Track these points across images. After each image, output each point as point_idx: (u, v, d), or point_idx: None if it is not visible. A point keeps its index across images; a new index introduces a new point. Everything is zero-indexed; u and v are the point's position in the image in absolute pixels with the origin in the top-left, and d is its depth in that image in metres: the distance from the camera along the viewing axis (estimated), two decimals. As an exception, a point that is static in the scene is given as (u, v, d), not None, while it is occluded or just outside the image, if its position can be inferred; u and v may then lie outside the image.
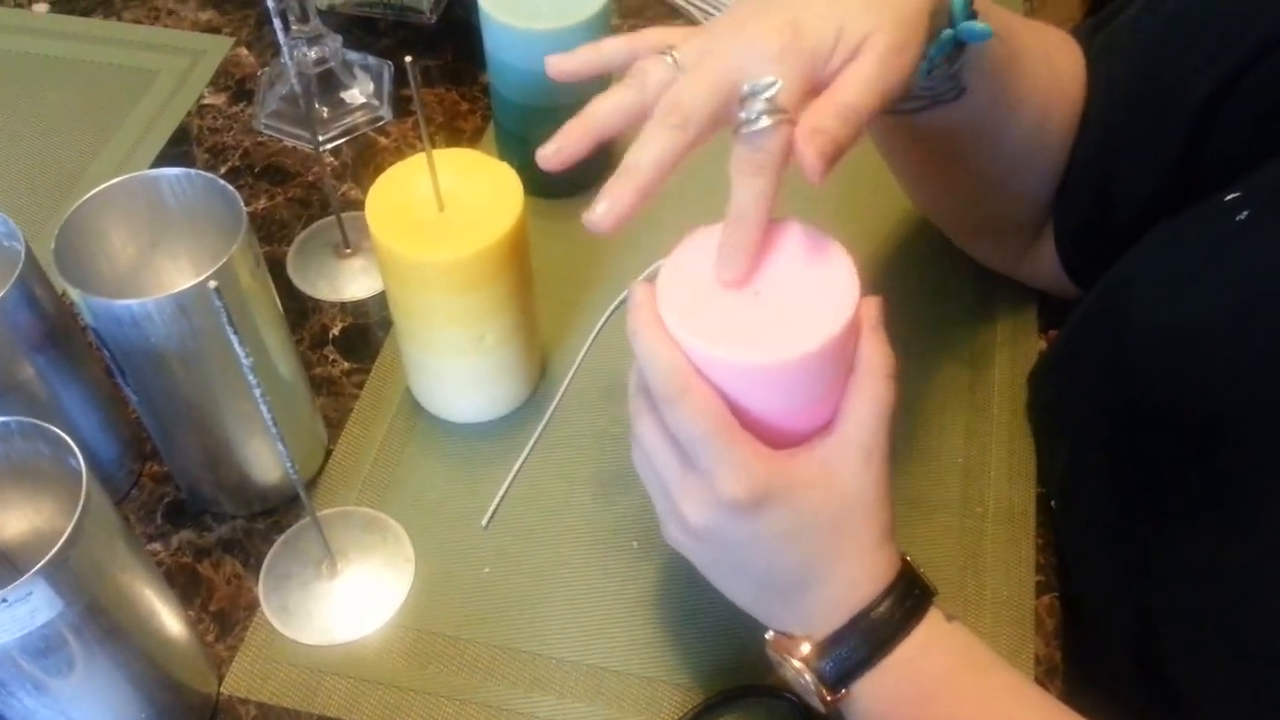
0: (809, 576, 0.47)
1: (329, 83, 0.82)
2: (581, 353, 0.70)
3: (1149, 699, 0.52)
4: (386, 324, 0.71)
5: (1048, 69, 0.58)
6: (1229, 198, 0.51)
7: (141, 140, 0.82)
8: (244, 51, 0.89)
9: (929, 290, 0.72)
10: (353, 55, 0.84)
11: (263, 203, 0.78)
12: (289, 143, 0.82)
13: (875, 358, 0.46)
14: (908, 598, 0.47)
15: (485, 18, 0.69)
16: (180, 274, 0.59)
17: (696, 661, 0.58)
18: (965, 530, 0.62)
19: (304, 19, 0.79)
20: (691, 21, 0.90)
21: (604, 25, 0.70)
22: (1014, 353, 0.69)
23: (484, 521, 0.63)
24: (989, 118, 0.57)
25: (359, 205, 0.76)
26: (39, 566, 0.41)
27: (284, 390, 0.59)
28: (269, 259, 0.73)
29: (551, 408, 0.67)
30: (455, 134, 0.82)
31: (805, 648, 0.47)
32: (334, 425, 0.67)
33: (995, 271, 0.71)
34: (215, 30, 0.91)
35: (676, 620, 0.59)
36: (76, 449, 0.44)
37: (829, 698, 0.47)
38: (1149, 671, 0.52)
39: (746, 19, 0.46)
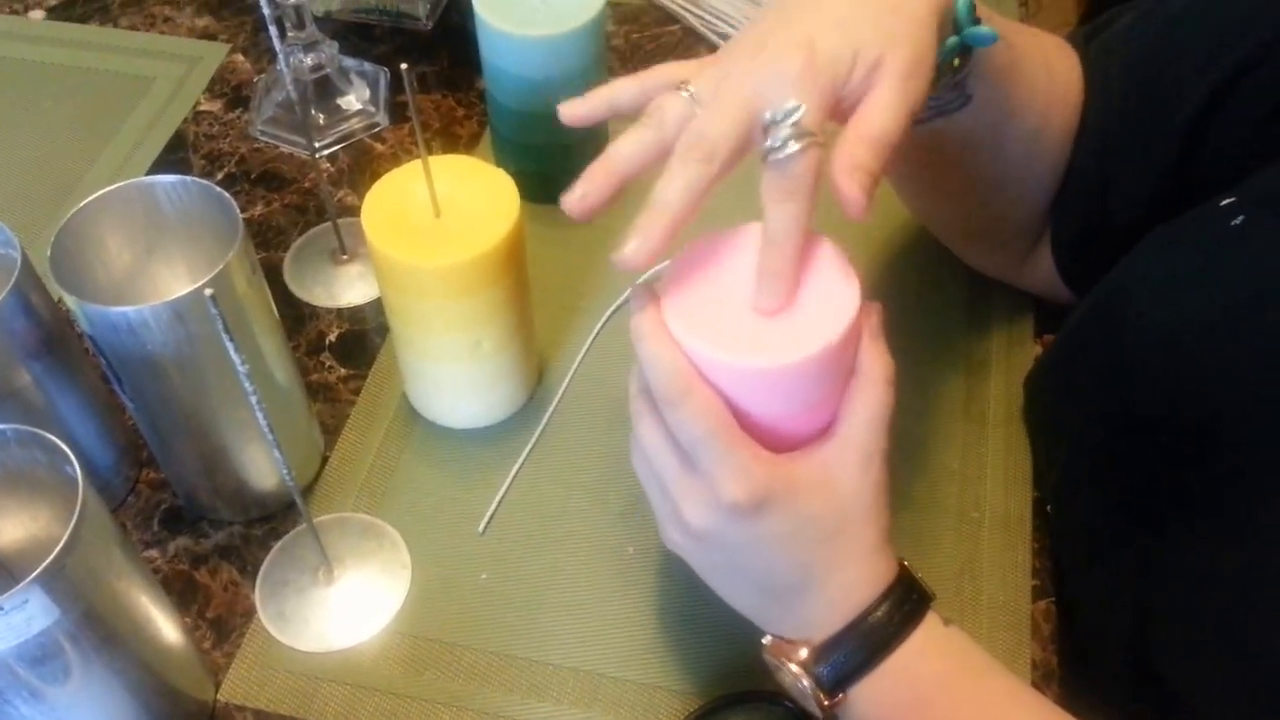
0: (807, 580, 0.47)
1: (325, 89, 0.82)
2: (578, 358, 0.70)
3: (1146, 703, 0.52)
4: (383, 330, 0.71)
5: (1046, 75, 0.59)
6: (1224, 203, 0.51)
7: (138, 147, 0.82)
8: (240, 58, 0.89)
9: (925, 296, 0.72)
10: (349, 61, 0.84)
11: (259, 209, 0.78)
12: (285, 149, 0.82)
13: (875, 363, 0.47)
14: (905, 602, 0.47)
15: (481, 24, 0.69)
16: (176, 281, 0.59)
17: (693, 667, 0.58)
18: (961, 535, 0.62)
19: (300, 25, 0.79)
20: (688, 28, 0.90)
21: (599, 32, 0.70)
22: (1010, 358, 0.69)
23: (480, 527, 0.63)
24: (989, 124, 0.57)
25: (355, 211, 0.76)
26: (35, 574, 0.41)
27: (280, 397, 0.59)
28: (265, 265, 0.74)
29: (548, 413, 0.67)
30: (451, 140, 0.83)
31: (803, 652, 0.47)
32: (331, 431, 0.67)
33: (991, 278, 0.71)
34: (211, 37, 0.91)
35: (674, 626, 0.59)
36: (72, 456, 0.44)
37: (826, 702, 0.47)
38: (1146, 675, 0.53)
39: (760, 44, 0.45)
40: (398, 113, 0.84)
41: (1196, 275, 0.52)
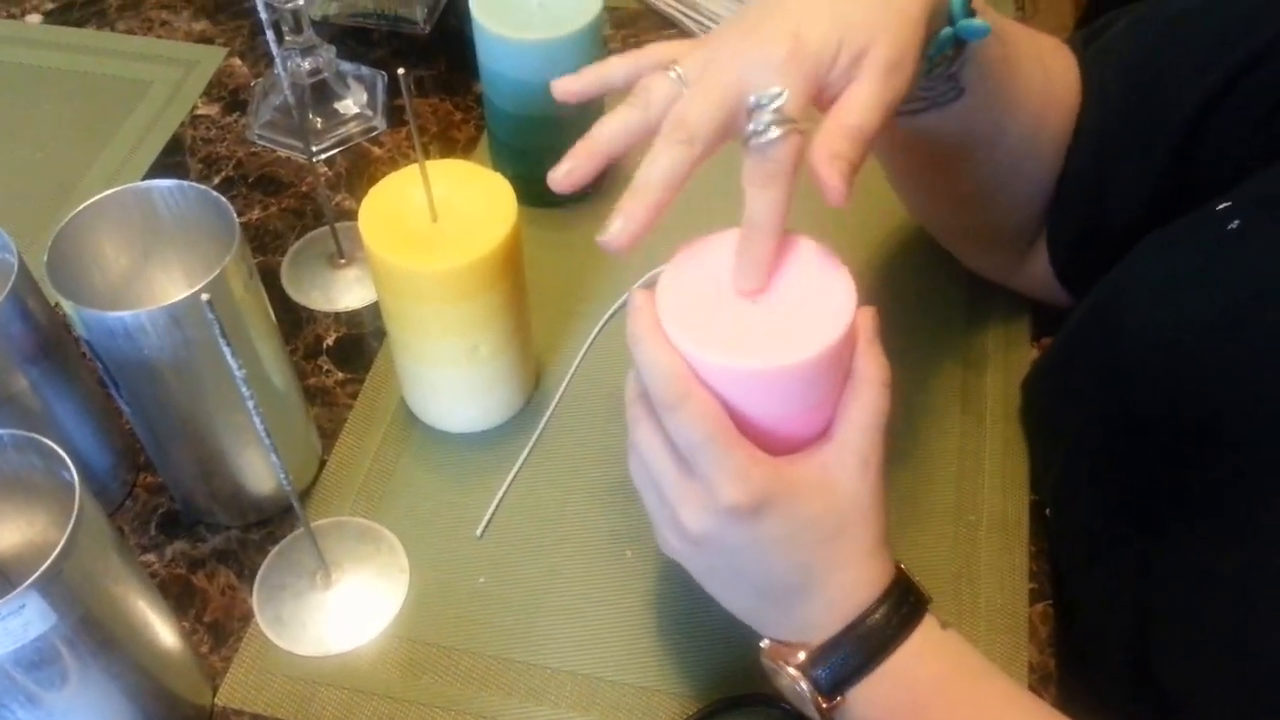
0: (805, 583, 0.47)
1: (323, 93, 0.82)
2: (576, 362, 0.70)
3: (1145, 705, 0.53)
4: (381, 334, 0.71)
5: (1042, 72, 0.59)
6: (1221, 206, 0.51)
7: (135, 151, 0.82)
8: (237, 62, 0.89)
9: (922, 299, 0.72)
10: (346, 66, 0.84)
11: (256, 213, 0.78)
12: (283, 153, 0.82)
13: (871, 367, 0.47)
14: (903, 605, 0.47)
15: (478, 28, 0.69)
16: (173, 285, 0.59)
17: (691, 671, 0.58)
18: (959, 538, 0.62)
19: (297, 30, 0.79)
20: (685, 33, 0.90)
21: (597, 36, 0.70)
22: (1007, 360, 0.69)
23: (478, 531, 0.63)
24: (985, 121, 0.57)
25: (353, 215, 0.75)
26: (32, 579, 0.41)
27: (278, 401, 0.59)
28: (263, 269, 0.74)
29: (546, 417, 0.67)
30: (449, 144, 0.83)
31: (800, 655, 0.47)
32: (328, 435, 0.67)
33: (988, 280, 0.71)
34: (209, 41, 0.91)
35: (671, 629, 0.59)
36: (69, 461, 0.44)
37: (824, 705, 0.47)
38: (1144, 677, 0.53)
39: (748, 30, 0.46)
40: (395, 117, 0.84)
41: (1194, 277, 0.52)
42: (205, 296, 0.43)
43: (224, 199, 0.53)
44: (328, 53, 0.81)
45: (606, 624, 0.59)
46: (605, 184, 0.76)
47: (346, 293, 0.74)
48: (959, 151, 0.59)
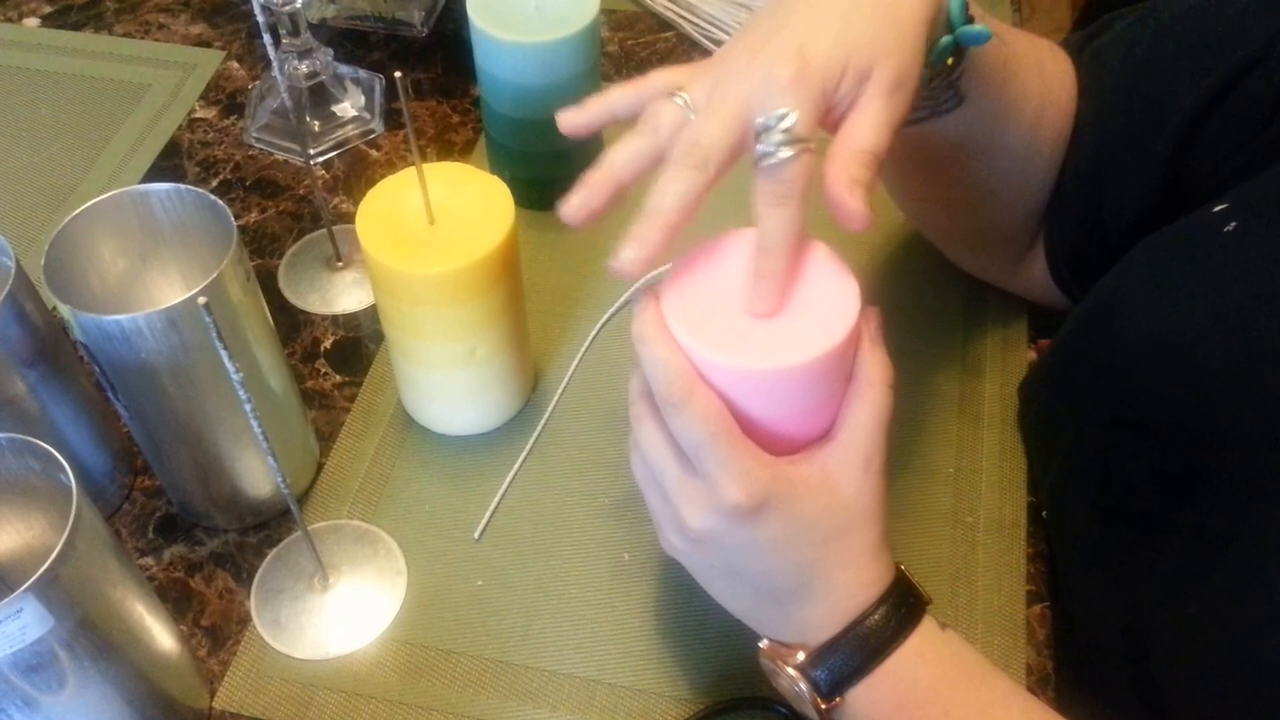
0: (806, 583, 0.47)
1: (320, 96, 0.82)
2: (574, 364, 0.70)
3: (1141, 707, 0.53)
4: (378, 337, 0.71)
5: (1039, 76, 0.59)
6: (1217, 209, 0.51)
7: (132, 154, 0.82)
8: (235, 65, 0.89)
9: (920, 301, 0.73)
10: (344, 68, 0.84)
11: (254, 216, 0.78)
12: (280, 156, 0.82)
13: (874, 368, 0.47)
14: (902, 606, 0.47)
15: (476, 31, 0.69)
16: (171, 288, 0.59)
17: (689, 673, 0.58)
18: (956, 540, 0.62)
19: (295, 33, 0.79)
20: (683, 35, 0.90)
21: (594, 39, 0.70)
22: (1004, 363, 0.70)
23: (476, 534, 0.63)
24: (984, 126, 0.57)
25: (350, 218, 0.75)
26: (29, 583, 0.41)
27: (275, 404, 0.59)
28: (260, 272, 0.74)
29: (543, 420, 0.67)
30: (446, 146, 0.83)
31: (800, 656, 0.47)
32: (326, 438, 0.67)
33: (986, 283, 0.72)
34: (206, 44, 0.91)
35: (669, 632, 0.59)
36: (67, 465, 0.44)
37: (823, 706, 0.47)
38: (1141, 680, 0.53)
39: (753, 50, 0.46)
40: (393, 119, 0.84)
41: (1191, 279, 0.52)
42: (202, 300, 0.43)
43: (221, 202, 0.53)
44: (325, 56, 0.81)
45: (604, 627, 0.59)
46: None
47: (344, 295, 0.74)
48: (957, 157, 0.59)
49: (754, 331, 0.45)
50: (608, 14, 0.92)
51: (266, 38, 0.60)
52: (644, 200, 0.45)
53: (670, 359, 0.44)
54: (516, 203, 0.59)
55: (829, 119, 0.46)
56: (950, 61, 0.51)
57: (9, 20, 0.92)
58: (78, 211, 0.53)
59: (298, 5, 0.77)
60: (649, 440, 0.47)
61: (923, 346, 0.70)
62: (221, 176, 0.81)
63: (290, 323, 0.72)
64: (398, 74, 0.52)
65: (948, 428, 0.67)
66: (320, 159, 0.81)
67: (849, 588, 0.47)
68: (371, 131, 0.83)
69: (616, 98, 0.50)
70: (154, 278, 0.58)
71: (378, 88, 0.85)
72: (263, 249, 0.76)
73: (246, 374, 0.46)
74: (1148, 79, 0.58)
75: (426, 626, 0.59)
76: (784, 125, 0.44)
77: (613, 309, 0.72)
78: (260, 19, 0.60)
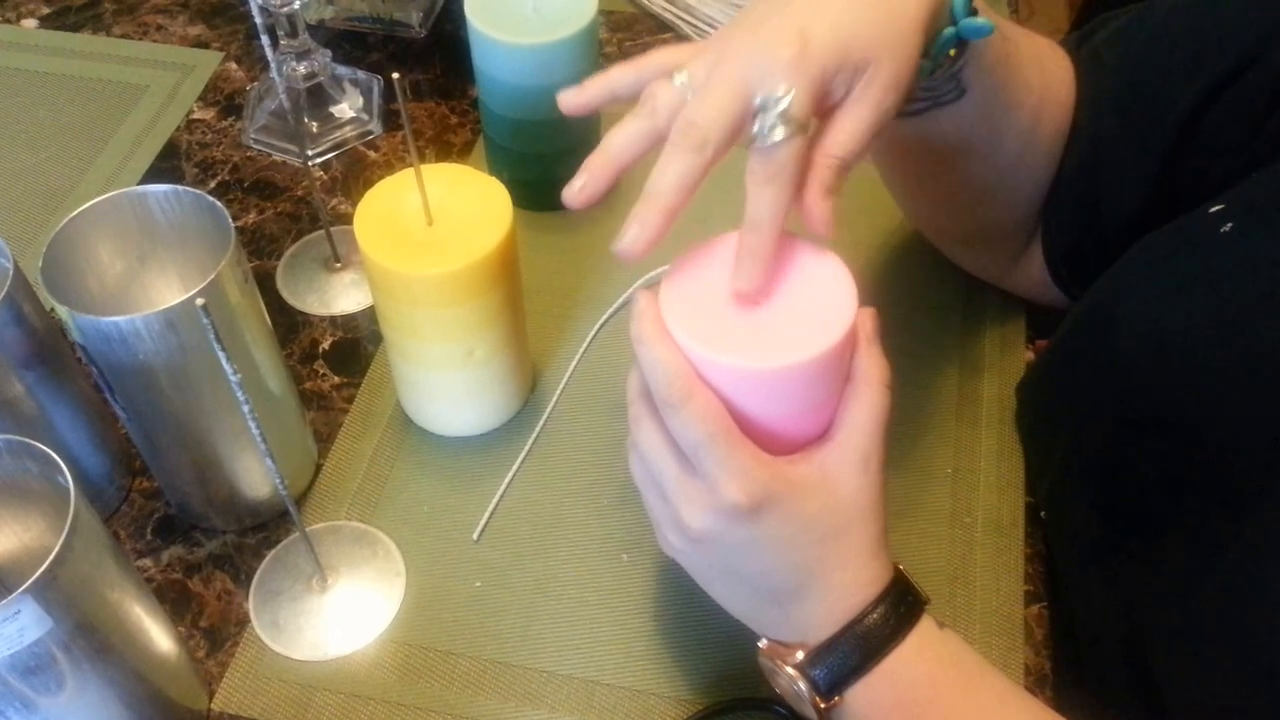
0: (805, 582, 0.47)
1: (318, 97, 0.82)
2: (572, 365, 0.70)
3: (1140, 706, 0.53)
4: (376, 338, 0.71)
5: (1039, 72, 0.59)
6: (1214, 209, 0.51)
7: (130, 155, 0.82)
8: (233, 66, 0.89)
9: (918, 301, 0.73)
10: (342, 70, 0.84)
11: (252, 217, 0.78)
12: (278, 157, 0.82)
13: (872, 368, 0.47)
14: (900, 605, 0.47)
15: (474, 32, 0.69)
16: (169, 290, 0.59)
17: (688, 674, 0.58)
18: (954, 540, 0.62)
19: (293, 34, 0.79)
20: (681, 36, 0.90)
21: (592, 40, 0.70)
22: (1003, 363, 0.70)
23: (475, 535, 0.63)
24: (985, 120, 0.57)
25: (348, 219, 0.76)
26: (27, 585, 0.41)
27: (273, 405, 0.59)
28: (259, 273, 0.74)
29: (542, 421, 0.67)
30: (445, 147, 0.83)
31: (799, 655, 0.47)
32: (324, 440, 0.67)
33: (984, 282, 0.72)
34: (204, 45, 0.91)
35: (668, 633, 0.59)
36: (65, 467, 0.44)
37: (822, 705, 0.47)
38: (1139, 679, 0.53)
39: (754, 29, 0.46)
40: (391, 120, 0.84)
41: (1187, 279, 0.52)
42: (200, 301, 0.43)
43: (219, 203, 0.53)
44: (323, 57, 0.81)
45: (603, 627, 0.59)
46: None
47: (342, 296, 0.74)
48: (958, 152, 0.59)
49: (752, 331, 0.45)
50: (606, 15, 0.92)
51: (265, 39, 0.60)
52: (646, 183, 0.45)
53: (669, 359, 0.44)
54: (515, 204, 0.59)
55: (821, 107, 0.46)
56: (952, 53, 0.51)
57: (7, 21, 0.92)
58: (76, 213, 0.53)
59: (296, 6, 0.77)
60: (648, 440, 0.47)
61: (921, 347, 0.70)
62: (220, 178, 0.81)
63: (288, 324, 0.72)
64: (396, 75, 0.52)
65: (946, 428, 0.67)
66: (318, 160, 0.81)
67: (847, 587, 0.47)
68: (370, 133, 0.83)
69: (617, 77, 0.50)
70: (152, 279, 0.58)
71: (376, 89, 0.85)
72: (261, 250, 0.76)
73: (244, 375, 0.46)
74: (1143, 77, 0.58)
75: (425, 627, 0.59)
76: (781, 106, 0.44)
77: (611, 310, 0.72)
78: (258, 20, 0.60)
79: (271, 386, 0.59)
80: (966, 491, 0.64)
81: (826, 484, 0.46)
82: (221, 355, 0.44)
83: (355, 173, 0.81)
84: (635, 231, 0.45)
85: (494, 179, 0.60)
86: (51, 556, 0.41)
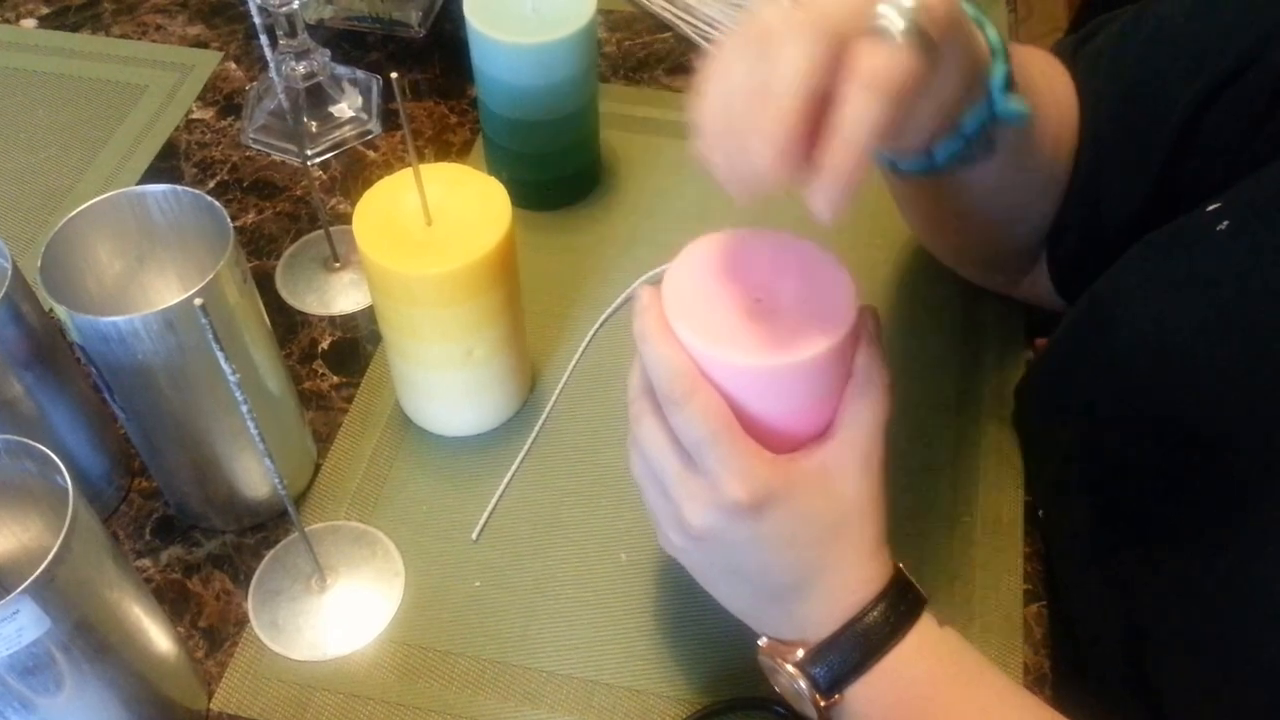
0: (805, 580, 0.47)
1: (317, 97, 0.82)
2: (571, 365, 0.70)
3: (1139, 706, 0.53)
4: (375, 338, 0.71)
5: (1054, 103, 0.58)
6: (1211, 209, 0.51)
7: (129, 155, 0.82)
8: (232, 66, 0.89)
9: (919, 301, 0.73)
10: (341, 69, 0.84)
11: (251, 217, 0.78)
12: (277, 157, 0.82)
13: (872, 367, 0.47)
14: (900, 603, 0.47)
15: (473, 32, 0.69)
16: (168, 290, 0.59)
17: (688, 673, 0.58)
18: (953, 539, 0.62)
19: (292, 33, 0.79)
20: (680, 37, 0.90)
21: (591, 40, 0.70)
22: (1002, 363, 0.70)
23: (474, 535, 0.63)
24: (1012, 165, 0.56)
25: (348, 219, 0.75)
26: (25, 585, 0.41)
27: (272, 405, 0.59)
28: (257, 273, 0.74)
29: (541, 420, 0.67)
30: (444, 147, 0.83)
31: (799, 653, 0.48)
32: (323, 440, 0.67)
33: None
34: (203, 45, 0.91)
35: (668, 632, 0.59)
36: (63, 467, 0.44)
37: (822, 703, 0.47)
38: (1138, 678, 0.53)
39: None
40: (390, 120, 0.84)
41: (1184, 281, 0.52)
42: (199, 301, 0.43)
43: (218, 203, 0.53)
44: (322, 56, 0.81)
45: (602, 627, 0.59)
46: (598, 189, 0.77)
47: (341, 296, 0.74)
48: (983, 195, 0.59)
49: (754, 329, 0.45)
50: (605, 15, 0.92)
51: (264, 39, 0.60)
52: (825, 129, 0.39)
53: (672, 357, 0.44)
54: (514, 203, 0.59)
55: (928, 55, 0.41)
56: (984, 124, 0.51)
57: (6, 21, 0.92)
58: (74, 213, 0.53)
59: (295, 6, 0.77)
60: (649, 437, 0.47)
61: (921, 346, 0.70)
62: (219, 177, 0.81)
63: (287, 324, 0.72)
64: (394, 75, 0.52)
65: (945, 427, 0.67)
66: (317, 160, 0.81)
67: (848, 585, 0.47)
68: (369, 132, 0.83)
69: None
70: (151, 279, 0.58)
71: (375, 88, 0.85)
72: (260, 250, 0.76)
73: (243, 375, 0.46)
74: (1143, 78, 0.58)
75: (424, 627, 0.59)
76: (907, 3, 0.39)
77: (611, 309, 0.72)
78: (257, 20, 0.60)
79: (270, 386, 0.59)
80: (966, 490, 0.64)
81: (828, 482, 0.46)
82: (220, 355, 0.44)
83: (354, 172, 0.81)
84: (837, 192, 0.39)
85: (493, 179, 0.60)
86: (50, 557, 0.41)
